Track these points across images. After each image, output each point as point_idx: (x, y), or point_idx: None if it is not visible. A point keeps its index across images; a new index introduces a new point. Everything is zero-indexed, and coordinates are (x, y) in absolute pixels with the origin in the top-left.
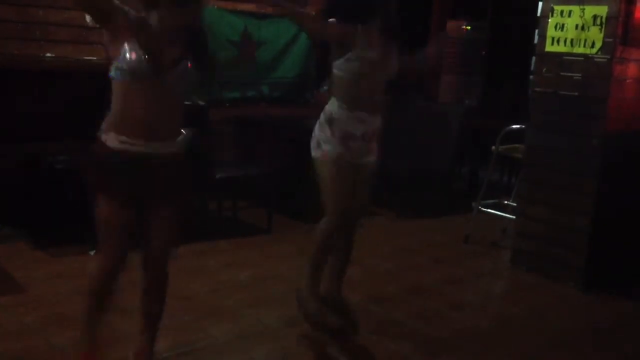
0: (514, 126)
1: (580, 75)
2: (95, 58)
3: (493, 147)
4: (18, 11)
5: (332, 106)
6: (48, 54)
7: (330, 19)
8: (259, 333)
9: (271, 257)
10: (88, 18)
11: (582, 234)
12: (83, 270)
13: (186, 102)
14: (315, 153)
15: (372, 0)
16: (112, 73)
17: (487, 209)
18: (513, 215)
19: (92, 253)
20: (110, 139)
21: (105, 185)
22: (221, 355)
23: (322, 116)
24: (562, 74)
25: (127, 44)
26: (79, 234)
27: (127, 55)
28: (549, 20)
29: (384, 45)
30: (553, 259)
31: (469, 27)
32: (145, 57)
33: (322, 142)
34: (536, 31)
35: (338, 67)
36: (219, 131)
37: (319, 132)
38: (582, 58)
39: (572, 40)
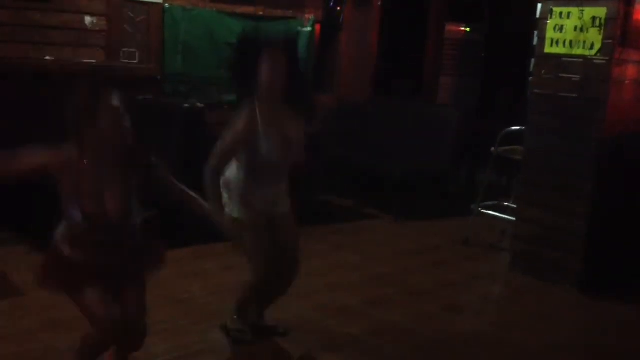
0: (513, 128)
1: (579, 76)
2: (94, 61)
3: (492, 149)
4: (16, 15)
5: (231, 173)
6: (47, 57)
7: None
8: (256, 336)
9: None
10: (87, 21)
11: (579, 236)
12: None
13: (185, 105)
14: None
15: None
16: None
17: (487, 210)
18: (512, 217)
19: None
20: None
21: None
22: (219, 358)
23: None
24: (561, 75)
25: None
26: None
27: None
28: (548, 21)
29: (284, 124)
30: (551, 261)
31: (467, 29)
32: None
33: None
34: (535, 33)
35: None
36: (217, 134)
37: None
38: (581, 59)
39: (571, 41)
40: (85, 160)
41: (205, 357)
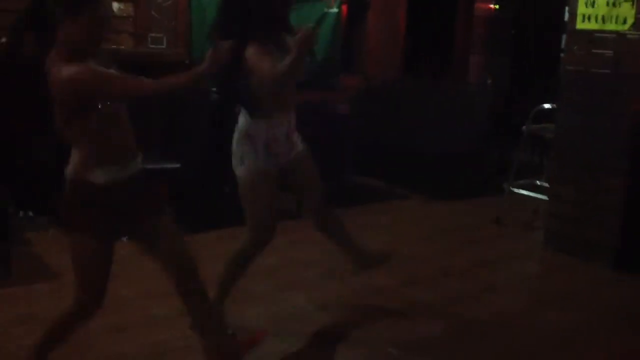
0: (545, 105)
1: (611, 52)
2: (122, 47)
3: (523, 127)
4: None
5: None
6: None
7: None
8: (289, 317)
9: (301, 241)
10: (115, 7)
11: (615, 214)
12: (116, 256)
13: (213, 89)
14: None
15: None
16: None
17: (519, 189)
18: (545, 196)
19: (125, 239)
20: (97, 175)
21: (92, 222)
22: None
23: (237, 133)
24: (593, 51)
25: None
26: None
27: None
28: None
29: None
30: (585, 239)
31: (497, 7)
32: None
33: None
34: (566, 9)
35: None
36: None
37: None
38: (614, 35)
39: (603, 16)
40: None
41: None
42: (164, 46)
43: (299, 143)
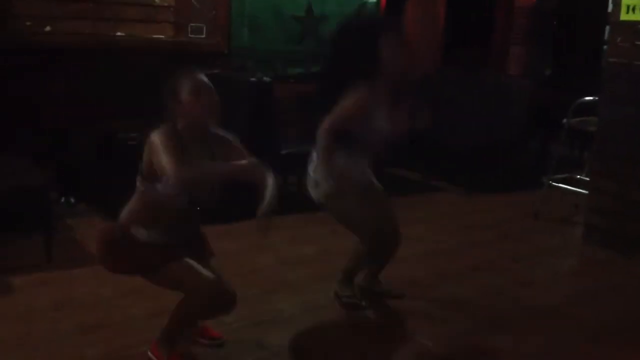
0: (587, 98)
1: None
2: (163, 36)
3: (564, 120)
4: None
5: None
6: (118, 33)
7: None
8: (324, 307)
9: (336, 232)
10: None
11: None
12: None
13: (251, 79)
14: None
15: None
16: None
17: (558, 183)
18: (585, 190)
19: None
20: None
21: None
22: (288, 328)
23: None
24: (637, 43)
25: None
26: None
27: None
28: None
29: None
30: (626, 234)
31: None
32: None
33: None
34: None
35: None
36: (284, 107)
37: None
38: None
39: None
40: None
41: (276, 326)
42: (203, 36)
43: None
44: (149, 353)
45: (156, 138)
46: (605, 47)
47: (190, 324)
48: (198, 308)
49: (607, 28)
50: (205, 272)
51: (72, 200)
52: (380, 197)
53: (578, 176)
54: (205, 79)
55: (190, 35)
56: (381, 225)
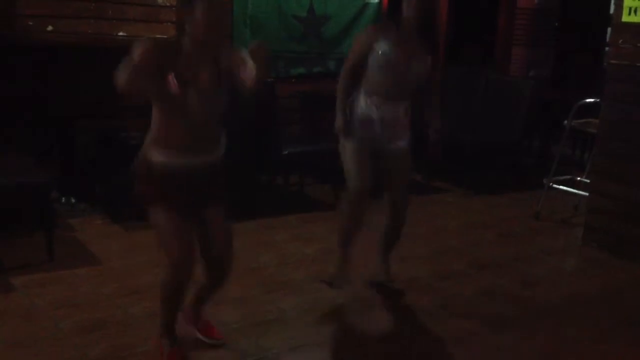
0: (588, 100)
1: None
2: (166, 36)
3: (565, 122)
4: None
5: (354, 96)
6: (120, 33)
7: None
8: (325, 306)
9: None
10: None
11: None
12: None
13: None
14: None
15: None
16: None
17: (559, 185)
18: (585, 192)
19: None
20: (156, 155)
21: (162, 195)
22: (290, 327)
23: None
24: (639, 45)
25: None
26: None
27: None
28: None
29: (409, 50)
30: (627, 236)
31: None
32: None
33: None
34: (612, 1)
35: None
36: (286, 107)
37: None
38: None
39: None
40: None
41: (277, 326)
42: None
43: (400, 140)
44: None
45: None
46: (607, 48)
47: (170, 303)
48: (165, 285)
49: (609, 30)
50: (179, 247)
51: (73, 199)
52: (386, 160)
53: (579, 178)
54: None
55: None
56: (364, 188)
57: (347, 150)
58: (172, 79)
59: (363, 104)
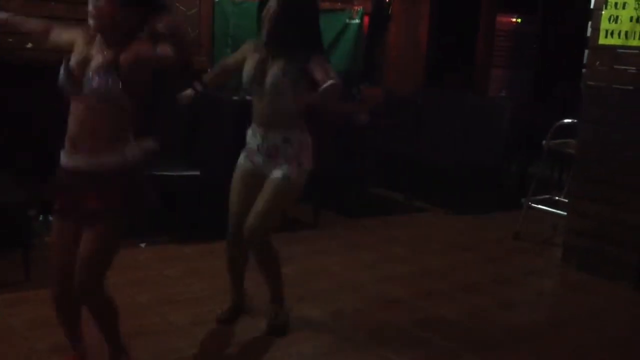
0: (566, 120)
1: (635, 68)
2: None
3: (544, 142)
4: (71, 8)
5: None
6: None
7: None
8: (305, 327)
9: (317, 252)
10: None
11: (636, 231)
12: (134, 262)
13: (234, 97)
14: None
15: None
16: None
17: (538, 205)
18: (564, 211)
19: (142, 245)
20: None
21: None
22: (268, 349)
23: None
24: (616, 67)
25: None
26: (129, 227)
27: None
28: (603, 12)
29: (282, 72)
30: (606, 256)
31: (519, 20)
32: (68, 72)
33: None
34: (589, 24)
35: None
36: None
37: None
38: (637, 51)
39: (626, 32)
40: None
41: (254, 347)
42: None
43: (281, 170)
44: None
45: None
46: (584, 70)
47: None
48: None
49: (586, 52)
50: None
51: (51, 217)
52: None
53: (557, 197)
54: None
55: None
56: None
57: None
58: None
59: (249, 130)
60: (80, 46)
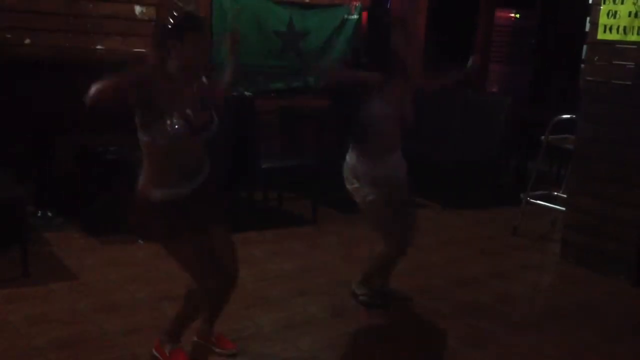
0: (564, 116)
1: (633, 63)
2: (144, 50)
3: (542, 138)
4: (68, 4)
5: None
6: (98, 47)
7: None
8: (304, 323)
9: (316, 247)
10: (137, 10)
11: (633, 227)
12: (133, 258)
13: (232, 93)
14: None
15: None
16: (147, 139)
17: (536, 200)
18: (563, 207)
19: (140, 242)
20: (155, 194)
21: (173, 228)
22: (268, 344)
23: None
24: (614, 62)
25: (164, 115)
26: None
27: (167, 125)
28: (601, 7)
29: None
30: (603, 252)
31: (517, 16)
32: (183, 125)
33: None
34: (587, 19)
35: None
36: (265, 122)
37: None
38: (636, 46)
39: (625, 27)
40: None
41: (255, 342)
42: None
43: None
44: (154, 351)
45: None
46: (582, 65)
47: (193, 315)
48: (198, 301)
49: (585, 47)
50: (210, 265)
51: (50, 213)
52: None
53: (556, 193)
54: (203, 21)
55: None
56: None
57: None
58: (175, 119)
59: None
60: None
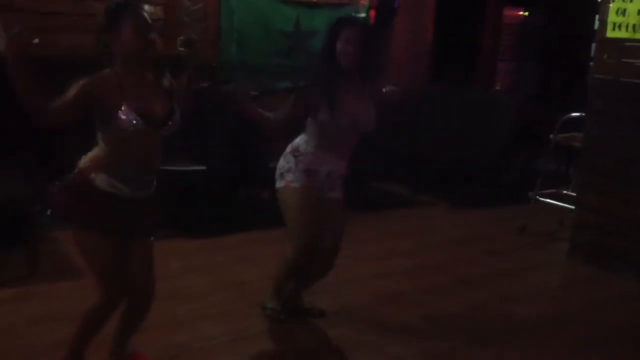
0: (573, 114)
1: None
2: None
3: (551, 136)
4: (74, 3)
5: (301, 141)
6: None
7: None
8: (308, 321)
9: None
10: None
11: None
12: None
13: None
14: (278, 184)
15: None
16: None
17: (545, 199)
18: (571, 205)
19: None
20: (100, 179)
21: (98, 220)
22: (273, 342)
23: (289, 148)
24: (623, 60)
25: (118, 110)
26: None
27: (121, 120)
28: (610, 5)
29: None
30: (612, 250)
31: (526, 14)
32: (139, 120)
33: (284, 173)
34: (596, 17)
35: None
36: None
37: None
38: None
39: (634, 25)
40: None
41: (261, 340)
42: None
43: (337, 191)
44: None
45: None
46: (591, 63)
47: (93, 329)
48: (95, 311)
49: (594, 45)
50: (115, 274)
51: None
52: (330, 212)
53: (564, 191)
54: (143, 12)
55: (179, 49)
56: (316, 239)
57: (291, 199)
58: (123, 112)
59: (310, 155)
60: (109, 91)
